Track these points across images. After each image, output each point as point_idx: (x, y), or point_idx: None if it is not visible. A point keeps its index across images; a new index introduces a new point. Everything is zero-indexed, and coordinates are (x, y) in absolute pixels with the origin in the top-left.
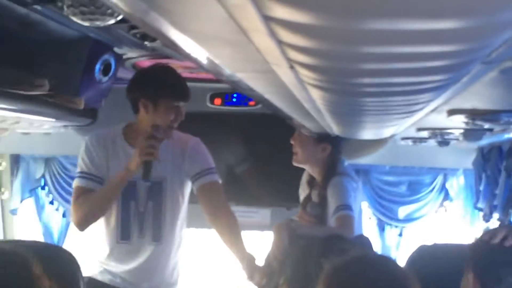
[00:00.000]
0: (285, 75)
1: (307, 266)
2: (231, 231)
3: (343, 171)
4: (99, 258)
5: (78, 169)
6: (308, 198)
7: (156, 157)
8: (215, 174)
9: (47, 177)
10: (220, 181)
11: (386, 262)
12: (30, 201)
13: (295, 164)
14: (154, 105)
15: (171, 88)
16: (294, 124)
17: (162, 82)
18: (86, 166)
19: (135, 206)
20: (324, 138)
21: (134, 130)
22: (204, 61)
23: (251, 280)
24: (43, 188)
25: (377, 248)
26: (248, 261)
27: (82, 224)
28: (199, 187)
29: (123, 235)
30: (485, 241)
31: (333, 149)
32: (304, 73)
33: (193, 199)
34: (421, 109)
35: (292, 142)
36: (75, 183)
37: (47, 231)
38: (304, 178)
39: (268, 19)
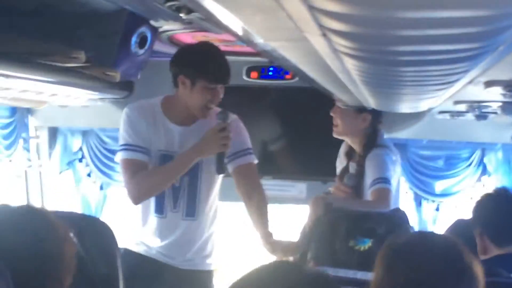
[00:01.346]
0: (318, 43)
1: (333, 245)
2: (261, 212)
3: (383, 143)
4: (135, 231)
5: (122, 141)
6: (345, 169)
7: (229, 147)
8: (251, 154)
9: (85, 150)
10: (256, 161)
11: (438, 237)
12: (68, 174)
13: (335, 136)
14: (192, 84)
15: (209, 70)
16: (333, 96)
17: (201, 63)
18: (131, 138)
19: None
20: (364, 108)
21: (172, 104)
22: (237, 30)
23: (274, 255)
24: (80, 160)
25: (414, 222)
26: (266, 238)
27: (141, 199)
28: (235, 168)
29: (157, 208)
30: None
31: (373, 119)
32: (337, 41)
33: (226, 173)
34: (458, 80)
35: (332, 114)
36: (122, 155)
37: (84, 203)
38: (342, 150)
39: None
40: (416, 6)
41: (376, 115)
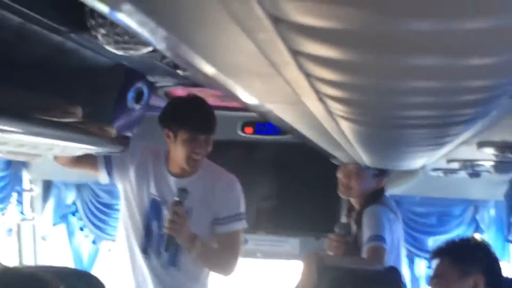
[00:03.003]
0: (315, 107)
1: None
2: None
3: (382, 201)
4: (120, 280)
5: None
6: (344, 224)
7: (179, 234)
8: (242, 220)
9: (78, 203)
10: (245, 226)
11: None
12: (61, 227)
13: (343, 196)
14: (175, 137)
15: (189, 120)
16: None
17: (182, 114)
18: (117, 160)
19: (157, 228)
20: (382, 171)
21: (170, 157)
22: (234, 92)
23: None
24: (74, 214)
25: (406, 279)
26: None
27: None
28: (221, 233)
29: (144, 249)
30: None
31: (383, 179)
32: (333, 105)
33: None
34: (451, 141)
35: (344, 177)
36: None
37: (77, 257)
38: (344, 209)
39: (296, 54)
40: (410, 76)
41: (385, 174)
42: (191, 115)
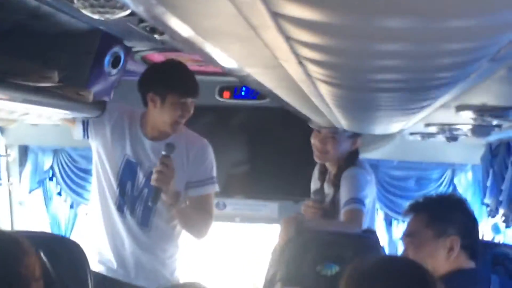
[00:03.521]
0: (294, 70)
1: (301, 269)
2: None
3: (359, 163)
4: (95, 242)
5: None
6: (319, 190)
7: (167, 186)
8: (213, 184)
9: (56, 168)
10: (217, 190)
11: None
12: (38, 192)
13: (319, 161)
14: (162, 100)
15: (178, 84)
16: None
17: (169, 78)
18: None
19: (131, 188)
20: (356, 133)
21: (146, 120)
22: (212, 56)
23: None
24: (51, 179)
25: (384, 242)
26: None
27: None
28: (195, 196)
29: (119, 207)
30: None
31: (359, 140)
32: (313, 68)
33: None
34: (429, 105)
35: (320, 143)
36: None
37: (54, 222)
38: (316, 170)
39: (276, 16)
40: (388, 39)
41: (358, 136)
42: (181, 79)
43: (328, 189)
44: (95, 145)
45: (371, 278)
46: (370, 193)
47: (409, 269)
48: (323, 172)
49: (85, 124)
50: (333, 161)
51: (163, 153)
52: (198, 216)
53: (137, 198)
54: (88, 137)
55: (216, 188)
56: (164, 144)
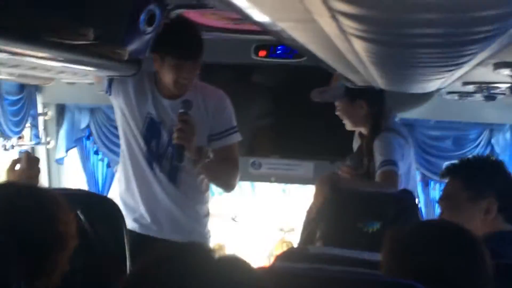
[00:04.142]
0: (327, 25)
1: (343, 226)
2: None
3: (391, 126)
4: (127, 199)
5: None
6: (359, 149)
7: (189, 143)
8: (236, 133)
9: (92, 127)
10: (239, 139)
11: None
12: (75, 151)
13: (348, 128)
14: (161, 61)
15: (174, 47)
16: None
17: (168, 40)
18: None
19: (156, 147)
20: (355, 96)
21: (159, 79)
22: (246, 10)
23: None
24: (88, 138)
25: (421, 202)
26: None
27: None
28: (219, 148)
29: (148, 163)
30: None
31: (370, 104)
32: (346, 23)
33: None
34: (467, 61)
35: (337, 113)
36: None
37: (91, 180)
38: (356, 131)
39: None
40: None
41: (371, 98)
42: (177, 41)
43: (364, 158)
44: (118, 103)
45: (414, 245)
46: (405, 156)
47: (454, 233)
48: (360, 133)
49: (111, 80)
50: (361, 127)
51: (181, 110)
52: (224, 168)
53: (163, 156)
54: (111, 93)
55: (238, 137)
56: (181, 101)
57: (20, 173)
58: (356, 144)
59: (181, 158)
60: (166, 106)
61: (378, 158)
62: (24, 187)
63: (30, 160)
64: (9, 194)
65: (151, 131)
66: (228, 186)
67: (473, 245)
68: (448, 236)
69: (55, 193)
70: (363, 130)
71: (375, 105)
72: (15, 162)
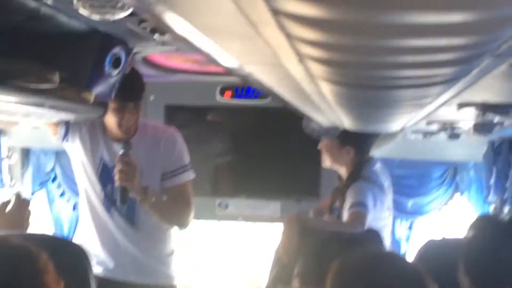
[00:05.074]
0: (295, 69)
1: (322, 263)
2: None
3: (368, 175)
4: (88, 244)
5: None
6: (337, 190)
7: (131, 183)
8: (188, 171)
9: (58, 170)
10: (192, 176)
11: (394, 257)
12: (41, 194)
13: (324, 166)
14: None
15: (118, 90)
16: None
17: None
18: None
19: (111, 191)
20: (346, 141)
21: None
22: (213, 54)
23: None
24: (53, 181)
25: (387, 241)
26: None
27: None
28: (171, 186)
29: (106, 207)
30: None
31: (357, 152)
32: (314, 66)
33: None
34: (431, 102)
35: (319, 148)
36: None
37: (57, 223)
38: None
39: (277, 13)
40: (390, 35)
41: (360, 147)
42: (120, 85)
43: (337, 202)
44: (74, 149)
45: (358, 275)
46: (379, 204)
47: (397, 265)
48: (339, 178)
49: (67, 127)
50: (340, 169)
51: (121, 151)
52: (175, 207)
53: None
54: (68, 140)
55: (191, 175)
56: (122, 143)
57: (10, 216)
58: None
59: (125, 199)
60: (116, 149)
61: (348, 202)
62: (15, 248)
63: (21, 202)
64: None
65: (105, 176)
66: (180, 224)
67: (423, 280)
68: (392, 269)
69: (20, 239)
70: (341, 171)
71: (362, 154)
72: (5, 205)
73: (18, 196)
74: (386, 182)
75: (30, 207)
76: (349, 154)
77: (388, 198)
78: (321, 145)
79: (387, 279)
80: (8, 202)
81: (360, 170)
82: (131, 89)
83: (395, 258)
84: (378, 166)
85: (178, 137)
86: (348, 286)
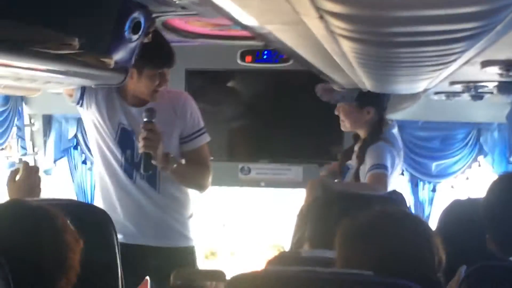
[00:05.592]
0: (315, 26)
1: (327, 224)
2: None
3: (386, 137)
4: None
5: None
6: (350, 149)
7: (155, 151)
8: (204, 134)
9: (79, 137)
10: (208, 139)
11: (404, 216)
12: (63, 161)
13: (343, 129)
14: (139, 73)
15: (154, 56)
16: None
17: (145, 51)
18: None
19: (131, 155)
20: (366, 102)
21: (124, 89)
22: (233, 13)
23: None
24: (75, 148)
25: (410, 203)
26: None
27: None
28: (190, 150)
29: (127, 173)
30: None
31: (376, 111)
32: (334, 23)
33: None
34: (454, 60)
35: (336, 113)
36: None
37: (80, 190)
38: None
39: None
40: None
41: (379, 106)
42: (156, 50)
43: (353, 161)
44: (90, 114)
45: (365, 235)
46: (394, 168)
47: (405, 223)
48: (356, 135)
49: (83, 91)
50: (359, 131)
51: (145, 119)
52: (196, 170)
53: (139, 164)
54: (82, 104)
55: (207, 138)
56: (144, 110)
57: (20, 184)
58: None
59: (148, 167)
60: (135, 114)
61: (368, 163)
62: (33, 209)
63: (29, 170)
64: (18, 216)
65: (124, 140)
66: (200, 187)
67: (428, 234)
68: (404, 225)
69: (44, 204)
70: (361, 133)
71: (381, 113)
72: (14, 173)
73: (26, 164)
74: (401, 146)
75: (39, 174)
76: (369, 114)
77: (401, 163)
78: (338, 110)
79: (390, 237)
80: (17, 170)
81: (380, 130)
82: (169, 56)
83: (406, 218)
84: (396, 130)
85: (192, 102)
86: (352, 243)
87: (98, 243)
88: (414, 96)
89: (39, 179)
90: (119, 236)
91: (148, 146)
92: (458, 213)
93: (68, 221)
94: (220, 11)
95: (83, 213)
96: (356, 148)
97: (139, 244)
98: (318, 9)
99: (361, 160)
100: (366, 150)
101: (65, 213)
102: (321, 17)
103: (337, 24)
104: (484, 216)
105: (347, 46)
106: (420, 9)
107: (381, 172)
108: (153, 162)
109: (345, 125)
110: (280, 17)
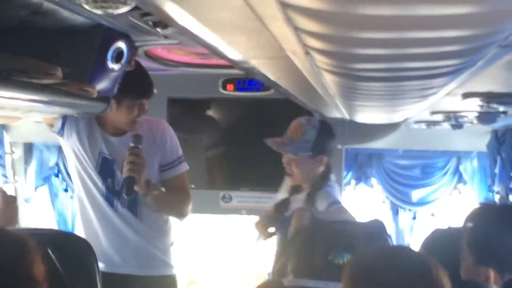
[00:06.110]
0: (300, 61)
1: (312, 259)
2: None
3: (330, 183)
4: (91, 240)
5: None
6: (286, 201)
7: (139, 175)
8: (183, 162)
9: (61, 164)
10: (187, 168)
11: (407, 251)
12: (44, 189)
13: (290, 183)
14: (118, 103)
15: (133, 87)
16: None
17: (124, 82)
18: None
19: (112, 184)
20: (319, 151)
21: (104, 120)
22: (218, 48)
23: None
24: (56, 175)
25: (391, 231)
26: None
27: None
28: (169, 178)
29: (108, 201)
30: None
31: (328, 159)
32: (319, 58)
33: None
34: (435, 93)
35: (284, 164)
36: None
37: (61, 218)
38: (287, 184)
39: (284, 6)
40: (395, 27)
41: (330, 153)
42: (136, 83)
43: (296, 201)
44: (71, 144)
45: (375, 271)
46: None
47: (413, 260)
48: (294, 187)
49: (64, 121)
50: (305, 183)
51: (131, 144)
52: (176, 198)
53: (121, 192)
54: (63, 134)
55: (186, 166)
56: (131, 135)
57: None
58: (281, 195)
59: (130, 191)
60: (115, 144)
61: (324, 203)
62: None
63: (6, 199)
64: None
65: (105, 169)
66: (180, 214)
67: (434, 273)
68: (409, 262)
69: (23, 234)
70: (305, 185)
71: (330, 162)
72: None
73: (3, 193)
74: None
75: (16, 203)
76: (322, 163)
77: None
78: (287, 162)
79: (400, 273)
80: None
81: (327, 179)
82: (144, 86)
83: (408, 252)
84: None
85: (171, 130)
86: (362, 281)
87: (79, 273)
88: (394, 125)
89: (16, 209)
90: (101, 265)
91: (133, 170)
92: (439, 242)
93: (50, 251)
94: (205, 44)
95: (64, 243)
96: (301, 197)
97: (121, 274)
98: (304, 46)
99: (309, 204)
100: (315, 196)
101: (46, 243)
102: (307, 53)
103: (322, 60)
104: (469, 244)
105: (330, 80)
106: (403, 47)
107: (341, 206)
108: (135, 188)
109: (295, 178)
110: (266, 53)
